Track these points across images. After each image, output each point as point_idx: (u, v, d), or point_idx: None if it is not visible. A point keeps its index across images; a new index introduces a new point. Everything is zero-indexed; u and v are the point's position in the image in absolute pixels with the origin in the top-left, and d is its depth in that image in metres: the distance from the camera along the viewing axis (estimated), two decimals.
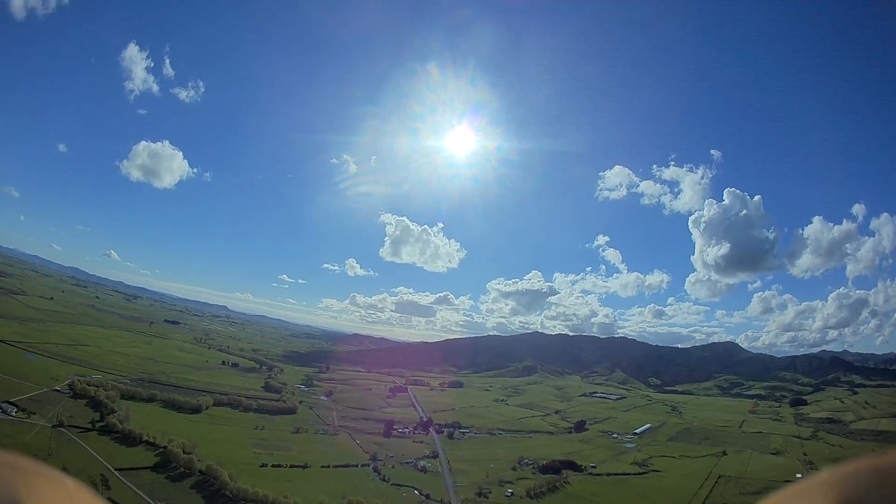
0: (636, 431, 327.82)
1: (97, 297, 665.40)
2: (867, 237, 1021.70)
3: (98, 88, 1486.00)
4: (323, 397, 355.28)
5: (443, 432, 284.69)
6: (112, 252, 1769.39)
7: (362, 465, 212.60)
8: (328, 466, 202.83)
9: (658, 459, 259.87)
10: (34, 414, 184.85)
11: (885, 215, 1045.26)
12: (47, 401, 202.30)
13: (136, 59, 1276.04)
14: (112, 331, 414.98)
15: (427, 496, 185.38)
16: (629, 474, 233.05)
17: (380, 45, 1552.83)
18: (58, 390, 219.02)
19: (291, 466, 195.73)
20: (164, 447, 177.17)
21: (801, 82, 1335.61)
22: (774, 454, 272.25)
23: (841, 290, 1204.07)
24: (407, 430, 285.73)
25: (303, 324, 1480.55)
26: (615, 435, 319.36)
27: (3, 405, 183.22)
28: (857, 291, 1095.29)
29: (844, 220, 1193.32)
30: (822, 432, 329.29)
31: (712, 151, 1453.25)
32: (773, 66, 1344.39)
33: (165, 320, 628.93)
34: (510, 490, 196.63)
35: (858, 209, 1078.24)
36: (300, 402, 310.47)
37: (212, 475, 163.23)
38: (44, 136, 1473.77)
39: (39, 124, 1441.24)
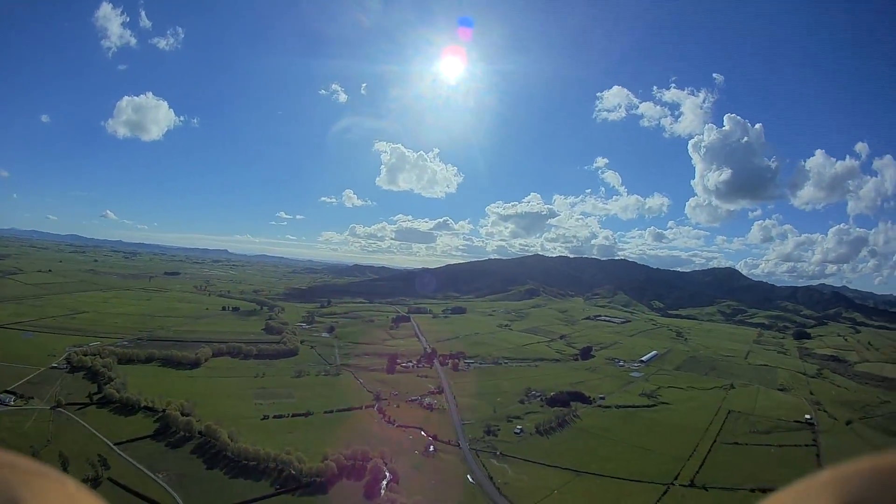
0: (642, 359, 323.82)
1: (96, 261, 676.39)
2: (869, 176, 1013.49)
3: (74, 52, 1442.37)
4: (325, 334, 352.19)
5: (447, 363, 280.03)
6: (108, 212, 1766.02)
7: (366, 407, 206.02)
8: (331, 412, 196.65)
9: (666, 391, 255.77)
10: (32, 398, 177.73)
11: (888, 157, 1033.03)
12: (45, 380, 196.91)
13: (110, 17, 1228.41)
14: (110, 293, 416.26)
15: (434, 437, 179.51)
16: (638, 406, 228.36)
17: None
18: (55, 367, 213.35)
19: (293, 416, 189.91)
20: (163, 411, 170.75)
21: (811, 12, 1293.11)
22: (781, 390, 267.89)
23: (842, 226, 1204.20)
24: (411, 363, 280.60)
25: (304, 259, 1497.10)
26: (622, 362, 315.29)
27: (2, 396, 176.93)
28: (858, 229, 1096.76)
29: (847, 157, 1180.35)
30: (826, 370, 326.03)
31: (714, 75, 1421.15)
32: None
33: (165, 272, 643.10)
34: (519, 426, 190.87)
35: (862, 147, 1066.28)
36: (301, 342, 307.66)
37: (211, 436, 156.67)
38: (25, 110, 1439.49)
39: (19, 100, 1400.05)
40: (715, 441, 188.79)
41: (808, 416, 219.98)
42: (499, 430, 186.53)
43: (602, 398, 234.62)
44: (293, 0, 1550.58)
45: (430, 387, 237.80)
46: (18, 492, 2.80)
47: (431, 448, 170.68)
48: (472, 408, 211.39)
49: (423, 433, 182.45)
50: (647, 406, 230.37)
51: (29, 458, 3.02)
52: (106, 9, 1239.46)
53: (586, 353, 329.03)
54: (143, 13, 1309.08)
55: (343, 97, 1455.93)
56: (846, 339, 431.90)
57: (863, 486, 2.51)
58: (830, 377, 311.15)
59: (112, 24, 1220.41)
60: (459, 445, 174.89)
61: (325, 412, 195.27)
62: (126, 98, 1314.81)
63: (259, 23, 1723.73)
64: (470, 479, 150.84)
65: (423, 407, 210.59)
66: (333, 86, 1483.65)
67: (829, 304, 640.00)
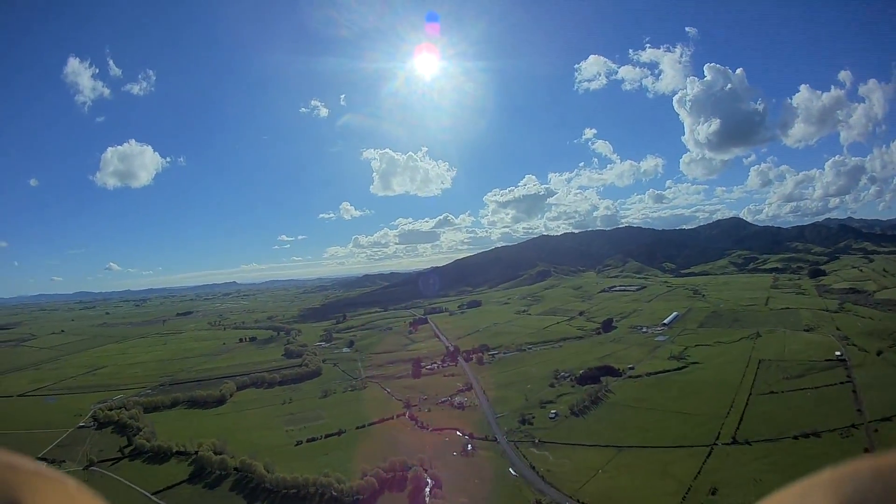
0: (664, 322, 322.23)
1: (107, 314, 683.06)
2: (857, 104, 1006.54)
3: (51, 112, 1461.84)
4: (345, 349, 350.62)
5: (471, 359, 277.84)
6: (112, 264, 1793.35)
7: (398, 416, 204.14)
8: (363, 426, 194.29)
9: (693, 350, 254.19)
10: (63, 462, 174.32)
11: (872, 81, 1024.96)
12: (75, 441, 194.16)
13: (79, 71, 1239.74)
14: (126, 343, 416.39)
15: (470, 436, 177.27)
16: (668, 371, 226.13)
17: None
18: (83, 426, 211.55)
19: (326, 437, 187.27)
20: (195, 453, 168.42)
21: None
22: (808, 331, 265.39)
23: (837, 157, 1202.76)
24: (435, 364, 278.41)
25: (313, 278, 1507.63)
26: (645, 329, 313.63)
27: None
28: (854, 158, 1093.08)
29: (832, 87, 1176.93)
30: (848, 304, 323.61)
31: (687, 29, 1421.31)
32: None
33: (177, 314, 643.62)
34: (553, 411, 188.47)
35: (845, 76, 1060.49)
36: (323, 362, 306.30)
37: (247, 471, 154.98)
38: (12, 178, 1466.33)
39: (4, 168, 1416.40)
40: (750, 394, 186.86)
41: (838, 353, 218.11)
42: (533, 417, 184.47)
43: (631, 368, 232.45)
44: (259, 20, 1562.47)
45: (458, 385, 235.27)
46: (19, 492, 2.81)
47: (469, 447, 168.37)
48: (504, 399, 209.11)
49: (458, 433, 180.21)
50: (678, 369, 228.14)
51: (29, 459, 3.01)
52: (73, 64, 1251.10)
53: (608, 326, 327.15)
54: (110, 62, 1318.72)
55: (324, 111, 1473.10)
56: (861, 270, 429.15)
57: (863, 485, 2.51)
58: (853, 309, 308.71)
59: (82, 78, 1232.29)
60: (497, 440, 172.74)
61: (358, 427, 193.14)
62: (110, 149, 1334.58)
63: (229, 50, 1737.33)
64: (512, 472, 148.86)
65: (454, 407, 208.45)
66: (313, 102, 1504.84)
67: (838, 237, 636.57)
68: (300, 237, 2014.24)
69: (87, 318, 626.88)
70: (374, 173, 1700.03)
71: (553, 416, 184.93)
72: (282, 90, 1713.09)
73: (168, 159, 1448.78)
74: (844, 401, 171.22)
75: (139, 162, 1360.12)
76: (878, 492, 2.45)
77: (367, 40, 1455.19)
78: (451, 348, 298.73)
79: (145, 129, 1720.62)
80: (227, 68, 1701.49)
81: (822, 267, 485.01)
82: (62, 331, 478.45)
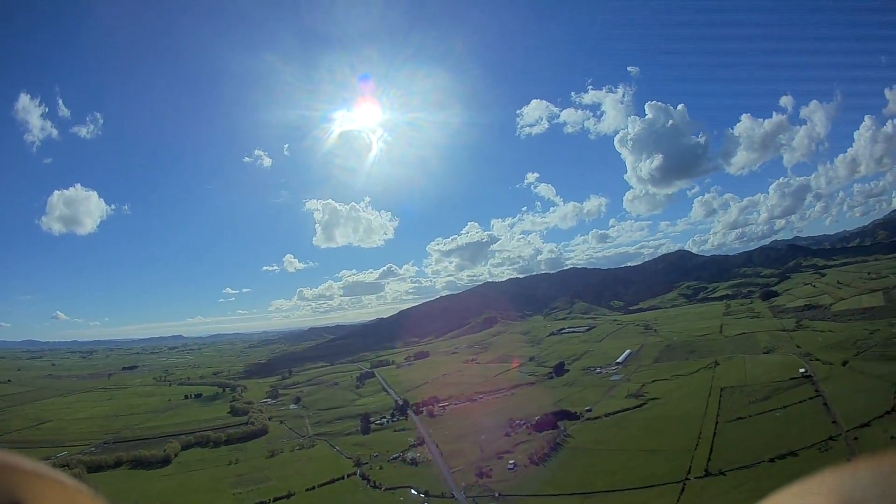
0: (618, 361, 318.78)
1: (53, 365, 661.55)
2: (799, 126, 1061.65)
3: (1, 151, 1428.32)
4: (292, 406, 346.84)
5: (422, 412, 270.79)
6: (59, 313, 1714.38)
7: (348, 476, 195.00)
8: (313, 488, 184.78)
9: (651, 386, 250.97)
10: None
11: (814, 102, 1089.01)
12: None
13: (29, 109, 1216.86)
14: (72, 397, 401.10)
15: (426, 494, 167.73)
16: (628, 409, 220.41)
17: (267, 31, 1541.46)
18: None
19: (275, 500, 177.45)
20: None
21: None
22: (767, 353, 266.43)
23: (781, 180, 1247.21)
24: (384, 419, 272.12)
25: (259, 331, 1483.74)
26: (598, 370, 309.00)
27: None
28: (798, 178, 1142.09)
29: (774, 114, 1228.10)
30: (805, 320, 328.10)
31: (629, 69, 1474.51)
32: None
33: (123, 367, 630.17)
34: (511, 461, 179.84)
35: (787, 101, 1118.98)
36: (269, 419, 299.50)
37: None
38: None
39: None
40: (717, 423, 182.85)
41: (802, 370, 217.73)
42: (491, 469, 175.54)
43: (588, 410, 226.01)
44: (204, 71, 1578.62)
45: (409, 440, 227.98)
46: (19, 492, 2.85)
47: None
48: (458, 453, 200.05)
49: (413, 492, 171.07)
50: (637, 407, 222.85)
51: (29, 459, 3.05)
52: (24, 100, 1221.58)
53: (560, 369, 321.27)
54: (60, 101, 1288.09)
55: (267, 161, 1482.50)
56: (814, 286, 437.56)
57: (863, 486, 2.55)
58: (811, 325, 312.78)
59: (32, 117, 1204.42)
60: (454, 496, 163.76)
61: (307, 489, 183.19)
62: (56, 192, 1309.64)
63: (175, 96, 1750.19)
64: None
65: (407, 463, 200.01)
66: (257, 151, 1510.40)
67: (787, 258, 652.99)
68: (245, 290, 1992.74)
69: (35, 368, 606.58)
70: (317, 224, 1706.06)
71: (511, 466, 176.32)
72: (227, 138, 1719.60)
73: (113, 206, 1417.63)
74: (817, 415, 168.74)
75: (84, 208, 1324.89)
76: (878, 492, 2.50)
77: (309, 92, 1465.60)
78: (401, 402, 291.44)
79: (91, 173, 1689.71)
80: (172, 115, 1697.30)
81: (774, 288, 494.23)
82: (8, 380, 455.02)
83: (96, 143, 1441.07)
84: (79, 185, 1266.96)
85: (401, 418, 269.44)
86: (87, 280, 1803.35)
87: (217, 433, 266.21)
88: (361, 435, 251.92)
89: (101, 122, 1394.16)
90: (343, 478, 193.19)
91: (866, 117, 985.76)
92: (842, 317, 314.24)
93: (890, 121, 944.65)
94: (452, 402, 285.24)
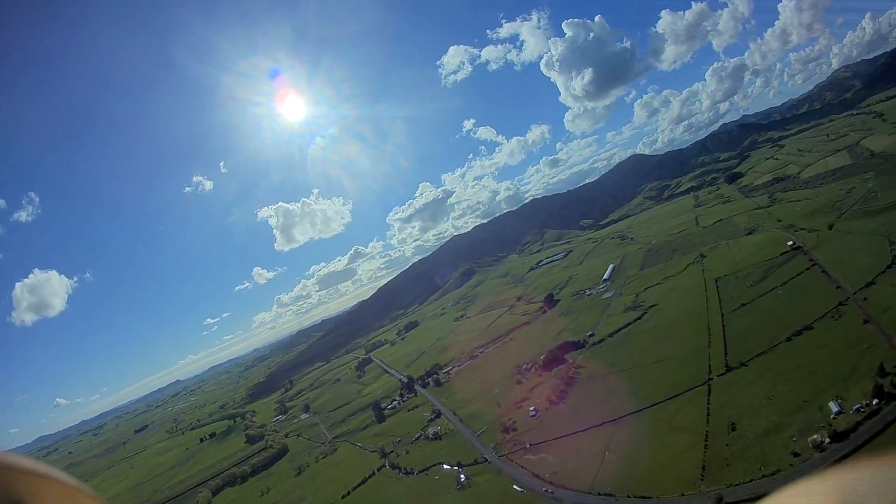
0: (605, 278, 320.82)
1: (70, 453, 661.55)
2: (721, 10, 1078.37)
3: None
4: (303, 416, 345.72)
5: (429, 383, 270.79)
6: (59, 399, 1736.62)
7: (378, 470, 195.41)
8: (348, 493, 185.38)
9: (646, 294, 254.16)
10: None
11: None
12: None
13: None
14: (96, 479, 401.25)
15: (458, 465, 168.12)
16: (630, 324, 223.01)
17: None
18: None
19: None
20: None
21: None
22: (750, 234, 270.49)
23: (715, 65, 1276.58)
24: (395, 402, 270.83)
25: (250, 351, 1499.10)
26: (588, 292, 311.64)
27: None
28: (732, 60, 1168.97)
29: (693, 3, 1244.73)
30: (777, 193, 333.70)
31: None
32: None
33: (135, 431, 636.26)
34: (532, 408, 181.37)
35: None
36: (286, 436, 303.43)
37: None
38: None
39: None
40: (722, 314, 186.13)
41: (790, 243, 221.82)
42: (514, 422, 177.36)
43: (591, 335, 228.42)
44: (121, 108, 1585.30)
45: (426, 415, 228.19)
46: (20, 492, 2.87)
47: (463, 478, 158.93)
48: (477, 414, 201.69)
49: (445, 467, 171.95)
50: (638, 318, 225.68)
51: (30, 459, 3.08)
52: None
53: (550, 301, 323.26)
54: None
55: (208, 185, 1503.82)
56: (776, 159, 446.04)
57: (863, 486, 2.58)
58: (785, 197, 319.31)
59: None
60: (487, 459, 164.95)
61: (343, 496, 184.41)
62: (18, 284, 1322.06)
63: (99, 151, 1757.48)
64: (517, 489, 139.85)
65: (430, 439, 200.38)
66: (195, 178, 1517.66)
67: (741, 138, 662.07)
68: (224, 315, 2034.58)
69: (54, 462, 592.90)
70: (275, 230, 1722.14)
71: (533, 413, 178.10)
72: (163, 173, 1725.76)
73: (75, 279, 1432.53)
74: (819, 284, 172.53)
75: (49, 289, 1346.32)
76: (878, 492, 2.53)
77: (237, 98, 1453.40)
78: (405, 380, 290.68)
79: (44, 254, 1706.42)
80: (105, 169, 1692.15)
81: (737, 170, 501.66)
82: None
83: (39, 222, 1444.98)
84: (36, 269, 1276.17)
85: (410, 396, 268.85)
86: (75, 358, 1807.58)
87: (241, 467, 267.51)
88: (378, 424, 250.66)
89: (37, 200, 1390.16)
90: (374, 474, 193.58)
91: None
92: (813, 182, 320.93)
93: None
94: (455, 364, 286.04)
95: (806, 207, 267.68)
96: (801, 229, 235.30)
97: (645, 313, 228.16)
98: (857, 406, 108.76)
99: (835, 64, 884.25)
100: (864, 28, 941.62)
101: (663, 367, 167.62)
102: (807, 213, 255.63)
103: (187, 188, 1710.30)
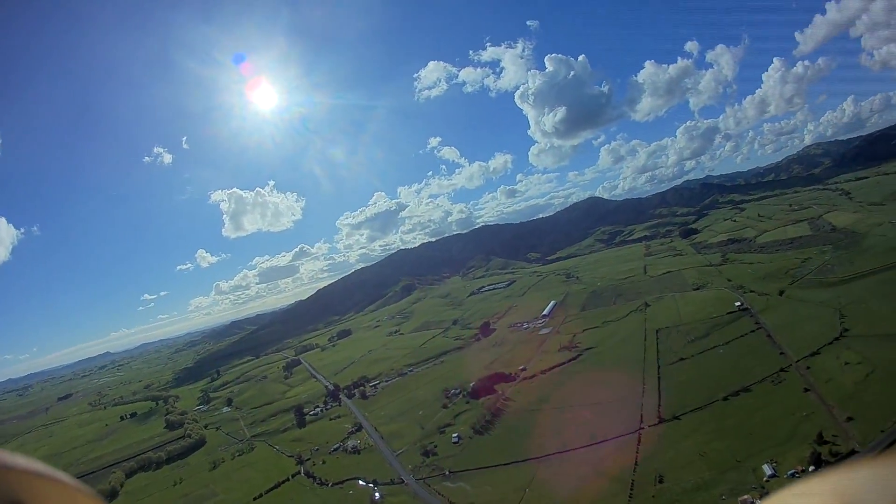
0: (544, 314, 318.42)
1: None
2: (704, 70, 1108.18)
3: None
4: (225, 409, 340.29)
5: (354, 394, 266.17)
6: None
7: (293, 476, 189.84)
8: (260, 496, 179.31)
9: (583, 336, 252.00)
10: None
11: (720, 46, 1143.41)
12: None
13: None
14: (15, 442, 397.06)
15: (374, 483, 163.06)
16: (564, 363, 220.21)
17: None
18: None
19: None
20: None
21: None
22: (697, 289, 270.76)
23: (688, 123, 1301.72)
24: (318, 408, 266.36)
25: (182, 334, 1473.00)
26: (525, 325, 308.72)
27: None
28: (706, 121, 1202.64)
29: (679, 59, 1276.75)
30: (731, 254, 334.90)
31: (528, 23, 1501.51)
32: None
33: (59, 398, 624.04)
34: (455, 434, 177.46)
35: (692, 46, 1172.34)
36: (206, 427, 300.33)
37: None
38: None
39: None
40: (659, 366, 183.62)
41: (738, 303, 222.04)
42: (436, 446, 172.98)
43: (523, 369, 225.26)
44: (92, 69, 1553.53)
45: (347, 427, 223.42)
46: (20, 492, 2.89)
47: (377, 496, 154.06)
48: (398, 433, 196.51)
49: (361, 483, 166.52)
50: (573, 359, 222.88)
51: (30, 459, 3.08)
52: None
53: (486, 329, 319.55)
54: None
55: (168, 158, 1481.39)
56: (735, 220, 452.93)
57: (863, 487, 2.61)
58: (738, 259, 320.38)
59: None
60: (404, 481, 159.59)
61: (255, 498, 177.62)
62: None
63: (69, 103, 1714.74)
64: None
65: (349, 452, 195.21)
66: (156, 149, 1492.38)
67: (702, 196, 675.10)
68: (162, 293, 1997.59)
69: None
70: (225, 215, 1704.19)
71: (456, 439, 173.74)
72: (125, 140, 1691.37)
73: (22, 230, 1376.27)
74: (763, 348, 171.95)
75: None
76: (878, 492, 2.56)
77: (202, 77, 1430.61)
78: (331, 387, 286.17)
79: None
80: (67, 124, 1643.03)
81: (693, 226, 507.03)
82: None
83: None
84: None
85: (334, 405, 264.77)
86: (9, 312, 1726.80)
87: (157, 453, 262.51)
88: (298, 429, 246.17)
89: None
90: (288, 479, 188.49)
91: (775, 59, 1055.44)
92: (769, 248, 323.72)
93: (801, 62, 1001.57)
94: (383, 378, 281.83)
95: (758, 271, 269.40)
96: (751, 291, 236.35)
97: (580, 354, 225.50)
98: (793, 471, 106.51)
99: (807, 140, 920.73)
100: (845, 109, 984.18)
101: (594, 411, 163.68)
102: (759, 277, 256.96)
103: (147, 157, 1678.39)
